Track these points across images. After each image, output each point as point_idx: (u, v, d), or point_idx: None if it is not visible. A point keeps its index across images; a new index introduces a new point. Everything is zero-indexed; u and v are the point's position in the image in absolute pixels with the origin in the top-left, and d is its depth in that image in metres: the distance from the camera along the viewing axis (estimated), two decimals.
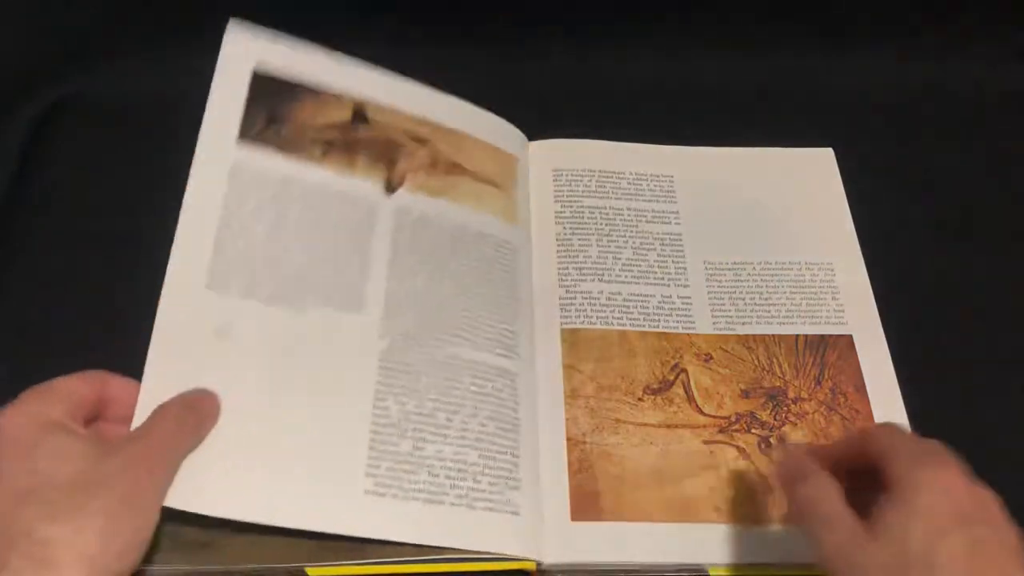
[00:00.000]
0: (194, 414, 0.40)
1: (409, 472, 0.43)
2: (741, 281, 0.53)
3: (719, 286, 0.53)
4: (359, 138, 0.50)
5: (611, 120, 0.60)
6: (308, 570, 0.43)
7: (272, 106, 0.49)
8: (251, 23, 0.51)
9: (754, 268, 0.54)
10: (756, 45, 0.64)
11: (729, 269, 0.54)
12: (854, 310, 0.52)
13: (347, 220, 0.48)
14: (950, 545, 0.33)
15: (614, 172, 0.58)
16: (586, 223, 0.55)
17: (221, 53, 0.49)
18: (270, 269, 0.45)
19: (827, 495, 0.36)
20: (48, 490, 0.34)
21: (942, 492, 0.34)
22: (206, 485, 0.39)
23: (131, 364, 0.50)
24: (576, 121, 0.60)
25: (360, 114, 0.51)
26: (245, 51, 0.50)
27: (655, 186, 0.57)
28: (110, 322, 0.52)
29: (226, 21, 0.62)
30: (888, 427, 0.39)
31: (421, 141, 0.52)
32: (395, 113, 0.53)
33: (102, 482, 0.35)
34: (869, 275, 0.54)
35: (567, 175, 0.58)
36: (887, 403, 0.49)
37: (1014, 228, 0.57)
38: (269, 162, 0.48)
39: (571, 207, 0.56)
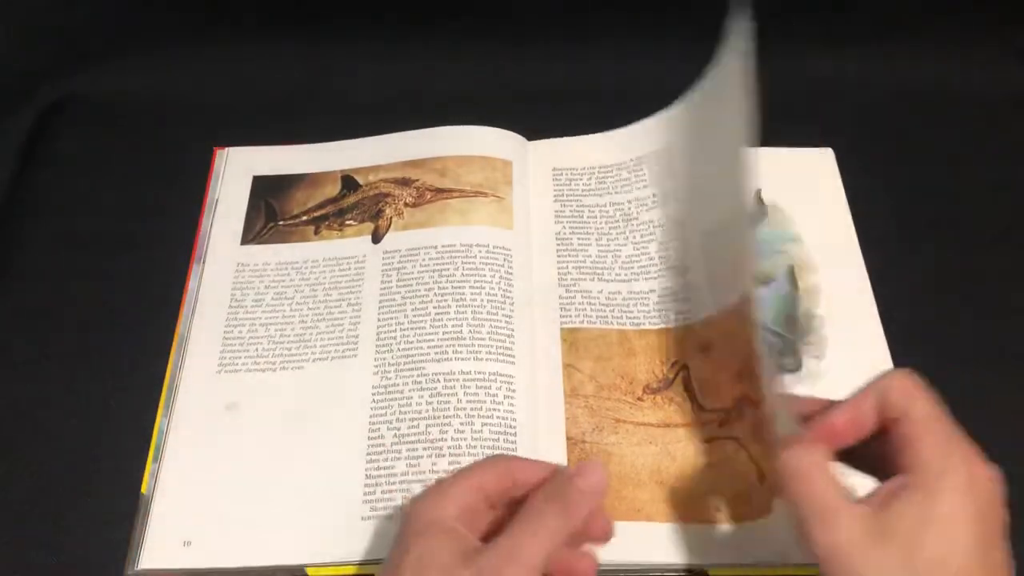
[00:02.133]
0: (560, 500, 0.35)
1: (403, 490, 0.45)
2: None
3: (718, 260, 0.53)
4: (348, 203, 0.56)
5: (611, 120, 0.60)
6: (308, 570, 0.43)
7: (270, 201, 0.56)
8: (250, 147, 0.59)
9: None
10: (755, 45, 0.64)
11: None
12: (853, 309, 0.53)
13: (339, 279, 0.53)
14: (965, 564, 0.29)
15: (614, 165, 0.58)
16: (586, 222, 0.56)
17: (225, 171, 0.57)
18: (272, 343, 0.51)
19: (820, 472, 0.32)
20: None
21: (967, 495, 0.31)
22: (216, 540, 0.44)
23: (131, 364, 0.50)
24: (576, 121, 0.60)
25: (349, 181, 0.57)
26: (245, 167, 0.58)
27: (656, 170, 0.57)
28: (110, 322, 0.52)
29: (226, 21, 0.62)
30: (909, 381, 0.34)
31: (407, 183, 0.56)
32: (380, 169, 0.58)
33: None
34: (869, 275, 0.54)
35: (567, 174, 0.58)
36: None
37: (1014, 228, 0.57)
38: (268, 254, 0.54)
39: (571, 206, 0.56)
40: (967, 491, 0.31)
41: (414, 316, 0.50)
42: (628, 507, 0.45)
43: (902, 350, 0.51)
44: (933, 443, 0.32)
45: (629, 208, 0.56)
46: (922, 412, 0.33)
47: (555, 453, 0.47)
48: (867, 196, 0.57)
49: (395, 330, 0.50)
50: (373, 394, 0.48)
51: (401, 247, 0.53)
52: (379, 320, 0.51)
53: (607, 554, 0.43)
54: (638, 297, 0.52)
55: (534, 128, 0.59)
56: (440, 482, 0.37)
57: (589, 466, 0.35)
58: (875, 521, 0.30)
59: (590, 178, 0.58)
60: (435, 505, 0.35)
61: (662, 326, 0.51)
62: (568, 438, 0.47)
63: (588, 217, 0.56)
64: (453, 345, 0.49)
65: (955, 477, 0.31)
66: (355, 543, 0.44)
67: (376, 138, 0.59)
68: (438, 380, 0.48)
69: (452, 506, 0.35)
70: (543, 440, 0.47)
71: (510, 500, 0.37)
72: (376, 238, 0.54)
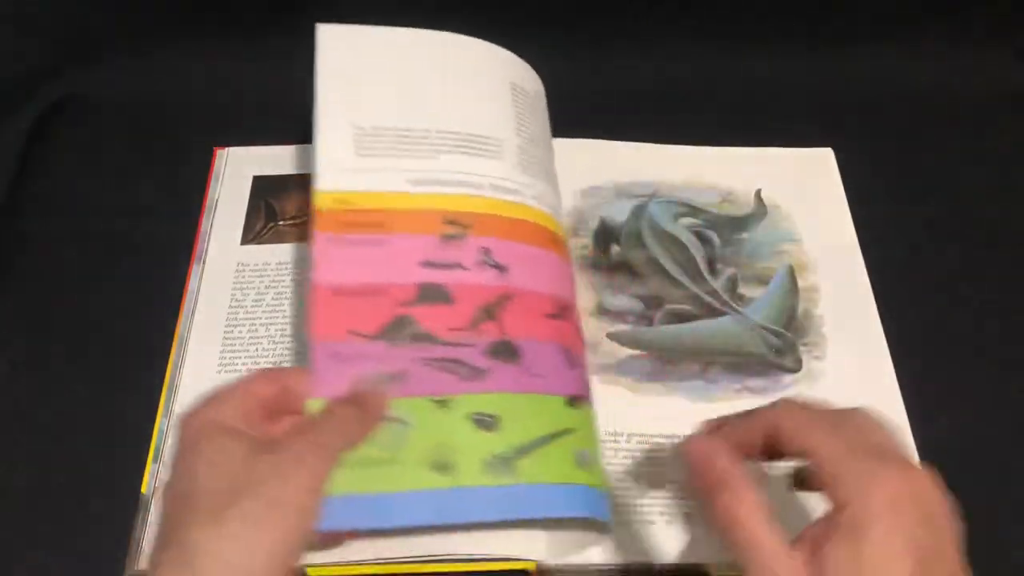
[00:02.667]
0: (358, 409, 0.37)
1: None
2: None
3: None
4: None
5: (611, 120, 0.60)
6: (309, 570, 0.43)
7: (270, 201, 0.56)
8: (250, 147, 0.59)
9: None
10: (756, 45, 0.64)
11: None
12: (853, 309, 0.53)
13: None
14: None
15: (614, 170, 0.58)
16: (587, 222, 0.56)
17: (225, 171, 0.58)
18: (272, 343, 0.51)
19: (753, 513, 0.32)
20: (199, 495, 0.32)
21: (894, 525, 0.30)
22: None
23: (130, 364, 0.50)
24: (576, 121, 0.60)
25: None
26: (245, 167, 0.58)
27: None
28: (110, 322, 0.52)
29: (227, 22, 0.62)
30: (800, 417, 0.34)
31: None
32: None
33: (248, 486, 0.32)
34: (869, 275, 0.54)
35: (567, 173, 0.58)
36: (887, 403, 0.49)
37: (1014, 228, 0.57)
38: (268, 254, 0.54)
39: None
40: (893, 521, 0.30)
41: None
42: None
43: (902, 350, 0.51)
44: (845, 479, 0.31)
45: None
46: (823, 449, 0.32)
47: None
48: (867, 196, 0.57)
49: None
50: None
51: None
52: None
53: (608, 554, 0.44)
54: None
55: None
56: (213, 390, 0.36)
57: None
58: (810, 569, 0.30)
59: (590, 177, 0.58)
60: (214, 409, 0.35)
61: None
62: None
63: (589, 216, 0.56)
64: None
65: (877, 510, 0.30)
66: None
67: (487, 46, 0.55)
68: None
69: (230, 409, 0.35)
70: None
71: (289, 414, 0.37)
72: None
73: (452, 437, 0.38)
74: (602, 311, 0.52)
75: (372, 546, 0.41)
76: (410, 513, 0.37)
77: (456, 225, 0.44)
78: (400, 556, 0.42)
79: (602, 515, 0.40)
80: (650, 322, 0.52)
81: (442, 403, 0.39)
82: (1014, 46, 0.64)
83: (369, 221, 0.43)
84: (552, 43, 0.64)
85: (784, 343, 0.51)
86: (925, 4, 0.62)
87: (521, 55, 0.64)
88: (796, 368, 0.50)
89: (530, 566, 0.43)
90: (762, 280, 0.54)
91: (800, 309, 0.53)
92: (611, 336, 0.51)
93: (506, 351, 0.41)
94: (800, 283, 0.54)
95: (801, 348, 0.51)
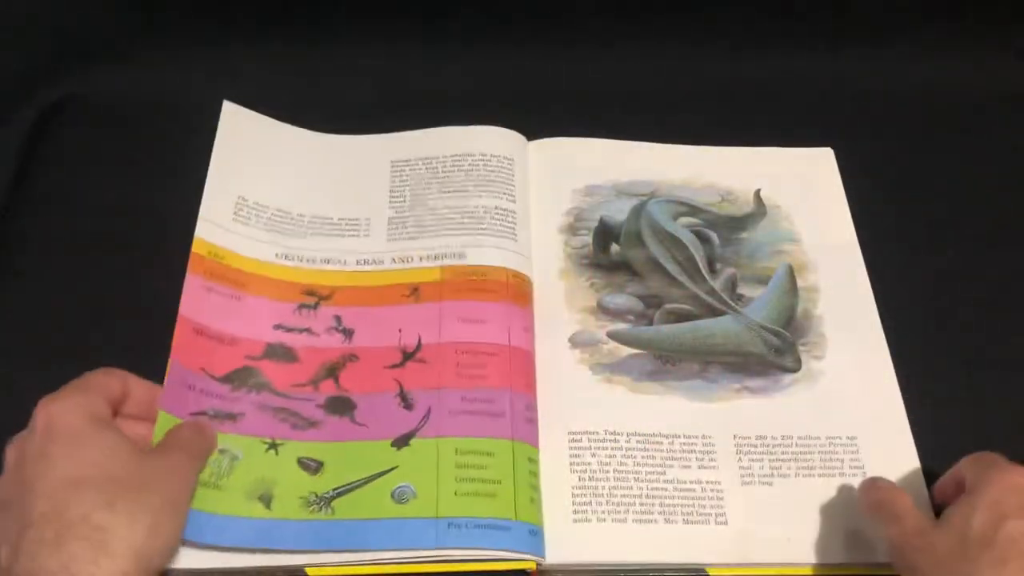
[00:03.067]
0: (203, 439, 0.43)
1: None
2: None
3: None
4: None
5: (611, 120, 0.60)
6: (308, 570, 0.43)
7: None
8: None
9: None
10: (756, 45, 0.64)
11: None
12: (852, 309, 0.53)
13: None
14: (1011, 528, 0.35)
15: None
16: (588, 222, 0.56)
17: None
18: None
19: (897, 496, 0.41)
20: (104, 481, 0.36)
21: (1009, 489, 0.37)
22: None
23: (130, 364, 0.50)
24: (576, 121, 0.60)
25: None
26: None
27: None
28: (110, 322, 0.52)
29: (226, 22, 0.62)
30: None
31: None
32: None
33: (151, 482, 0.37)
34: (869, 275, 0.54)
35: (567, 173, 0.58)
36: (888, 403, 0.49)
37: (1014, 228, 0.57)
38: None
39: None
40: (1009, 487, 0.37)
41: None
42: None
43: (902, 350, 0.51)
44: (981, 463, 0.40)
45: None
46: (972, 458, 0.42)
47: (556, 452, 0.47)
48: (867, 196, 0.57)
49: None
50: None
51: None
52: None
53: (608, 554, 0.44)
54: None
55: (534, 128, 0.59)
56: (75, 381, 0.41)
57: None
58: (932, 521, 0.39)
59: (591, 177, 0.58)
60: (84, 399, 0.39)
61: None
62: (569, 435, 0.47)
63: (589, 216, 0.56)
64: None
65: (996, 475, 0.38)
66: None
67: (374, 137, 0.59)
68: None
69: (98, 402, 0.40)
70: (544, 439, 0.47)
71: (125, 416, 0.42)
72: None
73: (276, 475, 0.44)
74: (602, 310, 0.52)
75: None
76: (226, 535, 0.42)
77: (313, 296, 0.51)
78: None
79: (427, 544, 0.42)
80: (650, 321, 0.52)
81: (273, 445, 0.45)
82: (1014, 46, 0.64)
83: (233, 278, 0.50)
84: (552, 43, 0.64)
85: (783, 343, 0.51)
86: (925, 4, 0.62)
87: (521, 55, 0.64)
88: (795, 368, 0.50)
89: (530, 566, 0.43)
90: (762, 280, 0.54)
91: (800, 309, 0.53)
92: (611, 335, 0.51)
93: (341, 405, 0.47)
94: (800, 283, 0.54)
95: (800, 348, 0.51)
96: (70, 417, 0.38)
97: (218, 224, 0.52)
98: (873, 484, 0.43)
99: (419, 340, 0.49)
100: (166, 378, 0.45)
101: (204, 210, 0.52)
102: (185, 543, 0.41)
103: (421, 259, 0.52)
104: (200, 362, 0.47)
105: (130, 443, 0.39)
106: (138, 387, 0.43)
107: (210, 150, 0.58)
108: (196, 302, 0.49)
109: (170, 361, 0.46)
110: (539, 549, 0.43)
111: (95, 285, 0.53)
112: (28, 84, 0.62)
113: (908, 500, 0.41)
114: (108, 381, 0.42)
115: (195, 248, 0.50)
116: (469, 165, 0.56)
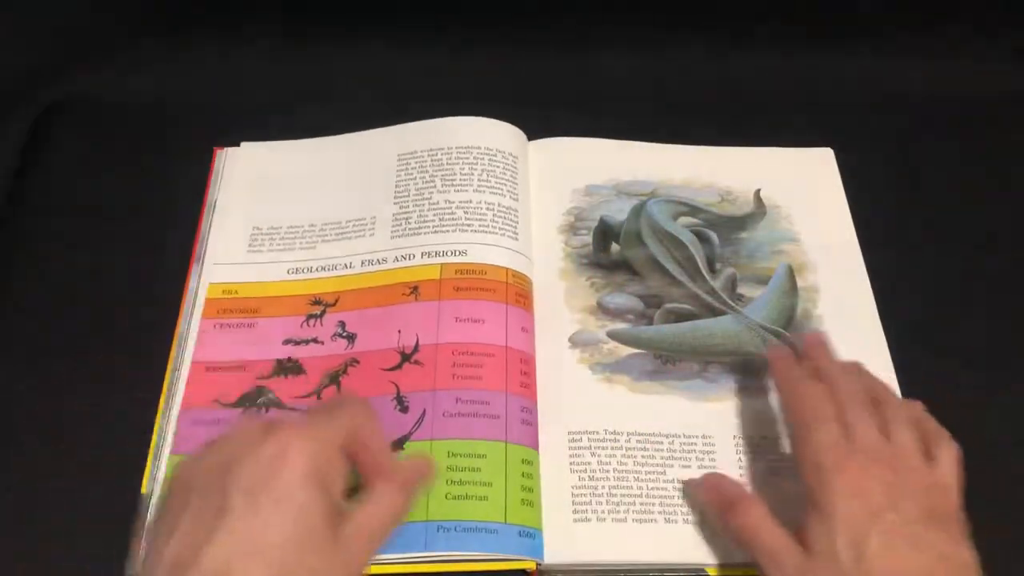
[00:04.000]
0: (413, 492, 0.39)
1: None
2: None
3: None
4: None
5: (611, 120, 0.60)
6: None
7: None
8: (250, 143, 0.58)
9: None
10: (756, 45, 0.64)
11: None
12: (852, 309, 0.53)
13: None
14: (870, 550, 0.36)
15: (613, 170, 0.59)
16: (587, 221, 0.56)
17: (225, 171, 0.58)
18: None
19: (763, 522, 0.39)
20: (280, 561, 0.32)
21: (852, 496, 0.37)
22: None
23: (130, 364, 0.50)
24: (576, 121, 0.60)
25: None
26: (245, 166, 0.58)
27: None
28: (110, 322, 0.52)
29: (226, 22, 0.62)
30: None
31: None
32: None
33: (322, 548, 0.33)
34: (869, 275, 0.54)
35: (567, 173, 0.58)
36: None
37: (1014, 228, 0.57)
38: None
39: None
40: (851, 492, 0.38)
41: None
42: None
43: (902, 350, 0.51)
44: (812, 465, 0.40)
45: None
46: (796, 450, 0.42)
47: (556, 452, 0.47)
48: (867, 196, 0.57)
49: None
50: None
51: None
52: None
53: (608, 554, 0.44)
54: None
55: (534, 128, 0.59)
56: (315, 422, 0.36)
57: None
58: (804, 542, 0.38)
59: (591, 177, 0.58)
60: (311, 457, 0.34)
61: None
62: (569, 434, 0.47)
63: (589, 216, 0.56)
64: None
65: (836, 483, 0.38)
66: None
67: (378, 131, 0.59)
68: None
69: (331, 449, 0.35)
70: (543, 439, 0.47)
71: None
72: None
73: None
74: (602, 310, 0.52)
75: None
76: None
77: (319, 304, 0.51)
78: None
79: (416, 548, 0.42)
80: (650, 321, 0.52)
81: None
82: (1014, 46, 0.64)
83: (246, 308, 0.51)
84: (552, 43, 0.64)
85: (783, 343, 0.51)
86: (925, 4, 0.62)
87: (521, 55, 0.64)
88: None
89: (530, 566, 0.43)
90: (761, 280, 0.54)
91: (799, 309, 0.53)
92: (611, 335, 0.51)
93: None
94: (799, 283, 0.54)
95: (811, 332, 0.51)
96: (297, 469, 0.34)
97: (231, 262, 0.53)
98: (723, 496, 0.42)
99: (417, 341, 0.49)
100: (176, 427, 0.47)
101: (214, 254, 0.53)
102: None
103: (422, 256, 0.52)
104: (212, 395, 0.48)
105: (327, 509, 0.34)
106: (375, 439, 0.38)
107: (210, 149, 0.59)
108: (209, 344, 0.50)
109: (180, 410, 0.47)
110: (532, 550, 0.43)
111: (95, 285, 0.53)
112: (28, 84, 0.62)
113: (770, 517, 0.39)
114: (360, 424, 0.37)
115: (209, 294, 0.52)
116: (474, 158, 0.56)
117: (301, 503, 0.33)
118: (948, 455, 0.40)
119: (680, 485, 0.46)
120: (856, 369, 0.45)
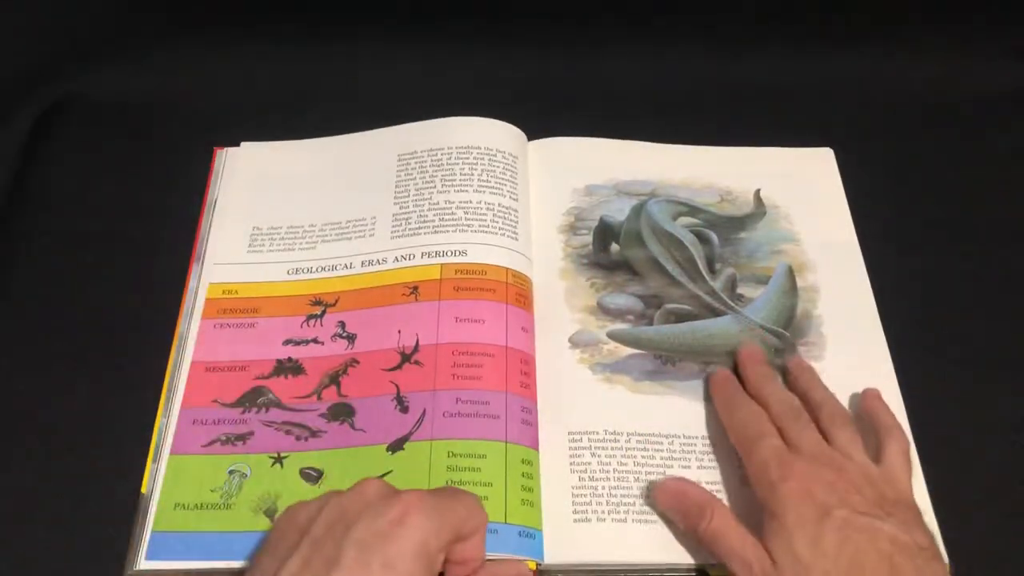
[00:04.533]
0: None
1: None
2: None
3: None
4: None
5: (611, 119, 0.60)
6: None
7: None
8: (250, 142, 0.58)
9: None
10: (756, 45, 0.64)
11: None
12: (852, 309, 0.53)
13: None
14: (827, 546, 0.37)
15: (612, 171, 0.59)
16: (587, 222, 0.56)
17: (225, 170, 0.58)
18: None
19: (729, 528, 0.40)
20: None
21: (800, 501, 0.39)
22: (215, 538, 0.44)
23: (130, 364, 0.50)
24: (576, 121, 0.60)
25: None
26: (245, 165, 0.58)
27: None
28: (110, 322, 0.52)
29: (226, 21, 0.62)
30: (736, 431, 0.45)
31: None
32: None
33: None
34: (869, 275, 0.54)
35: (567, 173, 0.58)
36: (887, 403, 0.49)
37: (1014, 228, 0.57)
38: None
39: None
40: (798, 498, 0.39)
41: None
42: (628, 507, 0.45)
43: (902, 350, 0.51)
44: (759, 480, 0.41)
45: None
46: (748, 466, 0.43)
47: (556, 451, 0.47)
48: (867, 196, 0.57)
49: None
50: None
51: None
52: None
53: (608, 554, 0.44)
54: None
55: (534, 128, 0.59)
56: (435, 503, 0.36)
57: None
58: (768, 550, 0.39)
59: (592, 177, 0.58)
60: (428, 535, 0.34)
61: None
62: (569, 434, 0.47)
63: (589, 216, 0.56)
64: None
65: (781, 493, 0.40)
66: None
67: (378, 131, 0.59)
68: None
69: (441, 543, 0.35)
70: (544, 438, 0.47)
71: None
72: None
73: (280, 488, 0.45)
74: (602, 310, 0.52)
75: None
76: (234, 550, 0.43)
77: (320, 304, 0.51)
78: None
79: None
80: (650, 321, 0.52)
81: (278, 459, 0.46)
82: (1014, 46, 0.64)
83: (246, 307, 0.51)
84: (552, 44, 0.64)
85: (783, 343, 0.51)
86: (925, 4, 0.62)
87: (521, 55, 0.64)
88: None
89: (530, 566, 0.43)
90: (761, 280, 0.54)
91: (799, 309, 0.53)
92: (611, 335, 0.51)
93: (341, 412, 0.47)
94: (799, 283, 0.54)
95: (800, 348, 0.51)
96: (412, 540, 0.34)
97: (231, 262, 0.53)
98: (688, 502, 0.43)
99: (417, 341, 0.49)
100: (175, 426, 0.47)
101: (214, 254, 0.54)
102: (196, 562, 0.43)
103: (422, 256, 0.52)
104: (211, 395, 0.48)
105: None
106: (476, 537, 0.38)
107: (210, 149, 0.59)
108: (208, 344, 0.50)
109: (180, 409, 0.48)
110: (532, 550, 0.43)
111: (95, 285, 0.53)
112: (28, 84, 0.62)
113: (736, 524, 0.41)
114: (471, 517, 0.37)
115: (209, 294, 0.52)
116: (474, 158, 0.56)
117: (407, 574, 0.33)
118: (895, 447, 0.43)
119: (649, 488, 0.45)
120: (798, 372, 0.49)
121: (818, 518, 0.38)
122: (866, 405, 0.47)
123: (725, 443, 0.47)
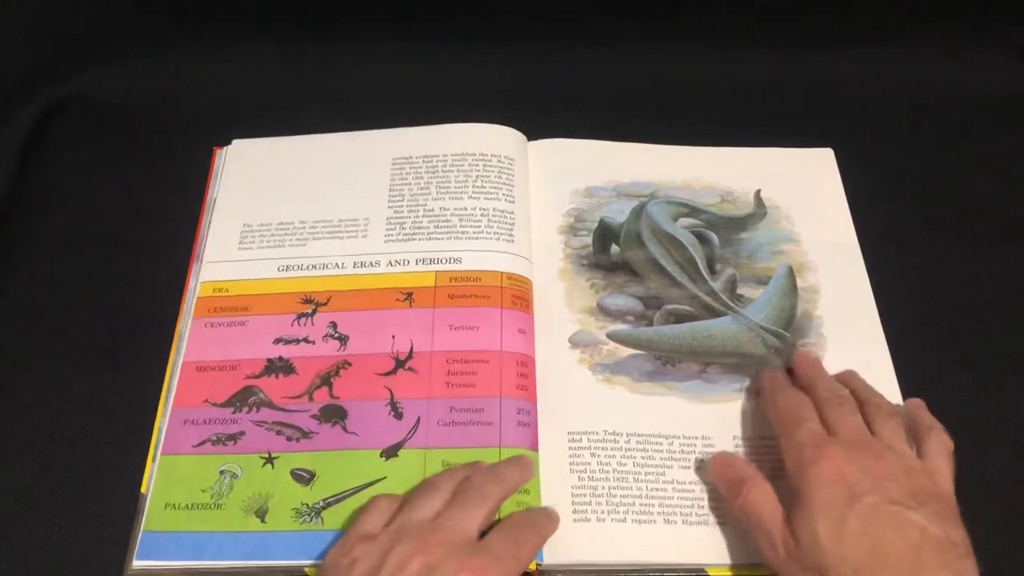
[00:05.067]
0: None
1: None
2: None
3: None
4: None
5: (611, 120, 0.60)
6: (307, 570, 0.43)
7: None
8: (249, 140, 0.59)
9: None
10: (756, 45, 0.64)
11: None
12: (852, 309, 0.53)
13: None
14: (849, 531, 0.37)
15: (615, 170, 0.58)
16: (587, 222, 0.56)
17: (224, 170, 0.58)
18: None
19: (762, 504, 0.41)
20: None
21: (830, 483, 0.38)
22: (216, 538, 0.45)
23: (130, 363, 0.50)
24: (576, 121, 0.60)
25: None
26: (245, 164, 0.58)
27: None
28: (110, 322, 0.52)
29: (226, 21, 0.62)
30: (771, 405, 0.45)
31: None
32: None
33: None
34: (869, 275, 0.54)
35: (567, 174, 0.58)
36: None
37: (1013, 228, 0.57)
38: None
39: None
40: (828, 481, 0.39)
41: None
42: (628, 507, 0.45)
43: (902, 350, 0.51)
44: (792, 463, 0.41)
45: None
46: (782, 440, 0.43)
47: (556, 451, 0.47)
48: (867, 196, 0.57)
49: None
50: None
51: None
52: None
53: (608, 554, 0.44)
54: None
55: (534, 128, 0.59)
56: (472, 502, 0.41)
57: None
58: (792, 531, 0.39)
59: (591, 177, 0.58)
60: (473, 523, 0.40)
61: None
62: (569, 434, 0.47)
63: (589, 216, 0.56)
64: None
65: (812, 474, 0.39)
66: None
67: (374, 133, 0.59)
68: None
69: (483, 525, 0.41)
70: (544, 438, 0.47)
71: None
72: None
73: (271, 488, 0.45)
74: (602, 311, 0.52)
75: None
76: (225, 551, 0.43)
77: (311, 303, 0.51)
78: None
79: None
80: (649, 322, 0.52)
81: (269, 459, 0.46)
82: (1014, 46, 0.64)
83: (237, 305, 0.51)
84: (552, 43, 0.64)
85: (783, 344, 0.51)
86: (925, 4, 0.62)
87: (521, 55, 0.64)
88: None
89: (530, 566, 0.43)
90: (761, 280, 0.54)
91: (799, 310, 0.53)
92: (611, 336, 0.51)
93: (334, 413, 0.48)
94: (799, 283, 0.54)
95: (800, 349, 0.51)
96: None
97: (223, 260, 0.53)
98: (731, 475, 0.43)
99: (411, 348, 0.49)
100: (166, 426, 0.47)
101: (207, 252, 0.54)
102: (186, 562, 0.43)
103: (417, 262, 0.52)
104: (202, 394, 0.48)
105: None
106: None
107: (210, 149, 0.59)
108: (199, 343, 0.50)
109: (171, 409, 0.48)
110: None
111: (95, 285, 0.53)
112: (28, 84, 0.62)
113: (773, 499, 0.41)
114: (514, 486, 0.43)
115: (201, 292, 0.52)
116: (469, 165, 0.56)
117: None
118: (938, 445, 0.42)
119: (682, 483, 0.46)
120: (848, 375, 0.47)
121: (846, 502, 0.38)
122: (910, 411, 0.45)
123: (725, 444, 0.47)
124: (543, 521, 0.43)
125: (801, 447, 0.41)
